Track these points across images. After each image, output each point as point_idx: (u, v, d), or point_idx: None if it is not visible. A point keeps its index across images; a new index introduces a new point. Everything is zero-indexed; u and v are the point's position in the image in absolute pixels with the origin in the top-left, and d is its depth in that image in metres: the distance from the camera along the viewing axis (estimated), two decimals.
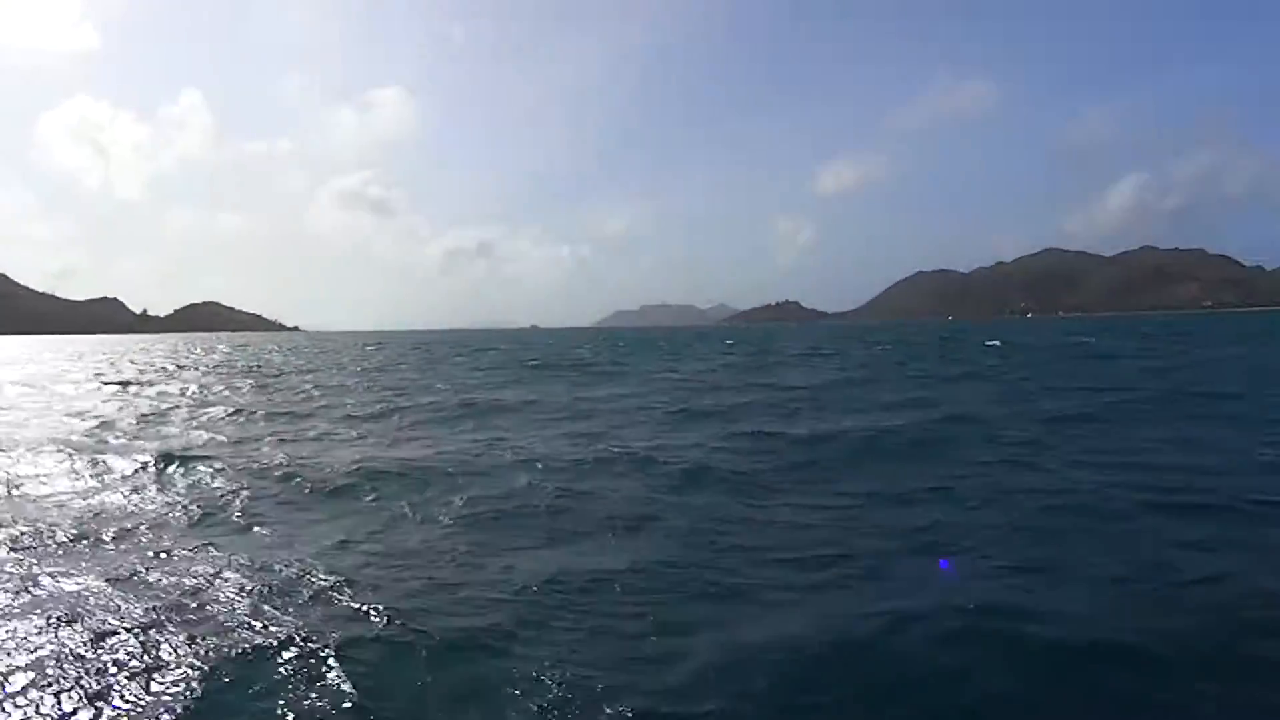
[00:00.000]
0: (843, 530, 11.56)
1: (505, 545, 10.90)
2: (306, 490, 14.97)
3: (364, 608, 8.34)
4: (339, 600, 8.66)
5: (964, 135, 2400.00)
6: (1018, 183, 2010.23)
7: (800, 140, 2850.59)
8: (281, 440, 21.83)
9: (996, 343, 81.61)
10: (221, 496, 14.40)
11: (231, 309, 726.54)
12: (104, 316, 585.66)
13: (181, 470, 16.72)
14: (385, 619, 8.03)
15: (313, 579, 9.32)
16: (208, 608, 8.47)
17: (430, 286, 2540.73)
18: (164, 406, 31.83)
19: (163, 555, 10.50)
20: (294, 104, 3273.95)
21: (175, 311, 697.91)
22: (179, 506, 13.55)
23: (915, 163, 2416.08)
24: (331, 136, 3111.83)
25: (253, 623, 7.99)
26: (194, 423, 26.31)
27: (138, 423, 26.33)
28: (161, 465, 17.20)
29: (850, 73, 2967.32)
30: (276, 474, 16.27)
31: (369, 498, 14.31)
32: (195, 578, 9.44)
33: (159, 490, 15.07)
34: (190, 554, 10.52)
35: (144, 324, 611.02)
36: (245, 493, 14.60)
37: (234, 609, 8.41)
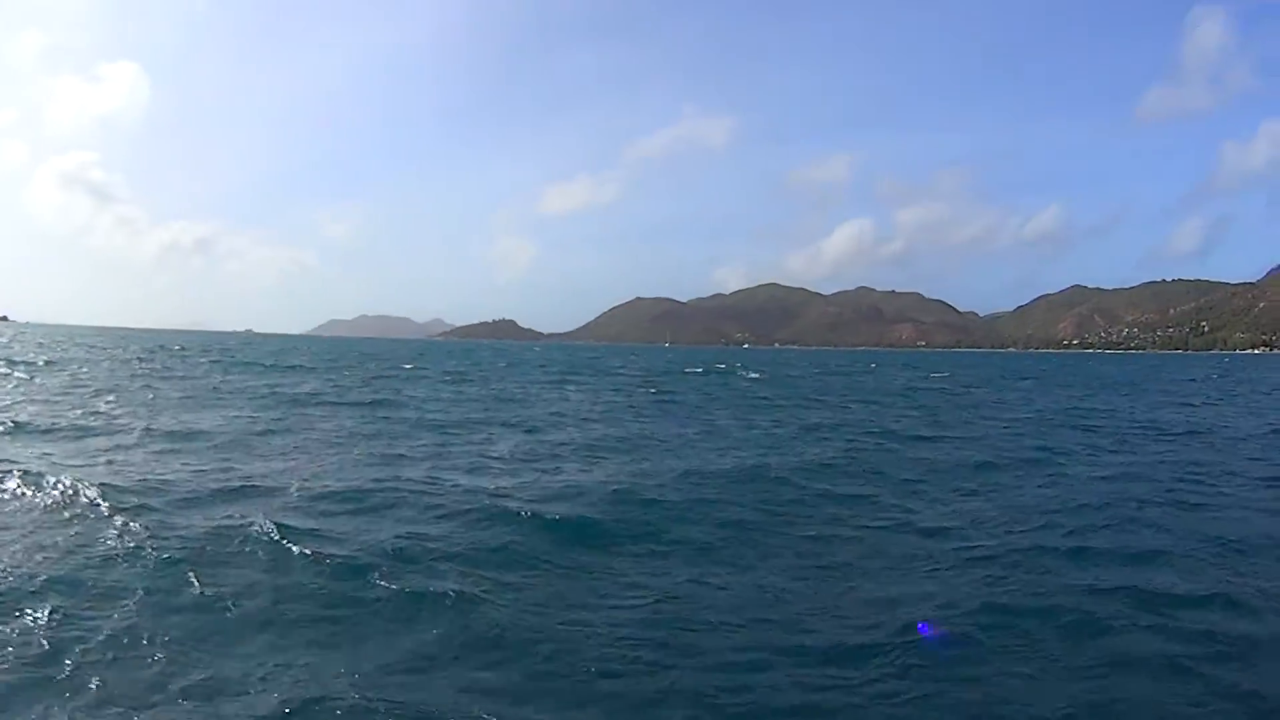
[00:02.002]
0: None
1: None
2: None
3: None
4: None
5: (696, 169, 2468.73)
6: (745, 219, 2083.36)
7: (531, 159, 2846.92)
8: None
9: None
10: None
11: None
12: None
13: None
14: None
15: None
16: None
17: (146, 282, 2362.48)
18: None
19: None
20: (25, 69, 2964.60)
21: None
22: None
23: (646, 191, 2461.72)
24: (59, 110, 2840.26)
25: None
26: None
27: None
28: None
29: (594, 98, 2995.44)
30: None
31: None
32: None
33: None
34: None
35: None
36: None
37: None
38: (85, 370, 53.88)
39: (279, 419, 28.82)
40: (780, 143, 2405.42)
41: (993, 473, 21.18)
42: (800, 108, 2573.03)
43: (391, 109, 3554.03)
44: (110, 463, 18.60)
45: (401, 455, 21.17)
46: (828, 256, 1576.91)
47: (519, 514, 14.39)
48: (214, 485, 16.17)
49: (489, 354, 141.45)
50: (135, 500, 14.41)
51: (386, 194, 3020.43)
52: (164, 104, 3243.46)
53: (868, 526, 14.82)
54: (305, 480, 16.92)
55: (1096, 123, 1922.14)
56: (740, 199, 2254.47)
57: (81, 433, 23.63)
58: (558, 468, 20.13)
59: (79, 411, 28.85)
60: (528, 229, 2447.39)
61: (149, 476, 16.89)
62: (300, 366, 70.36)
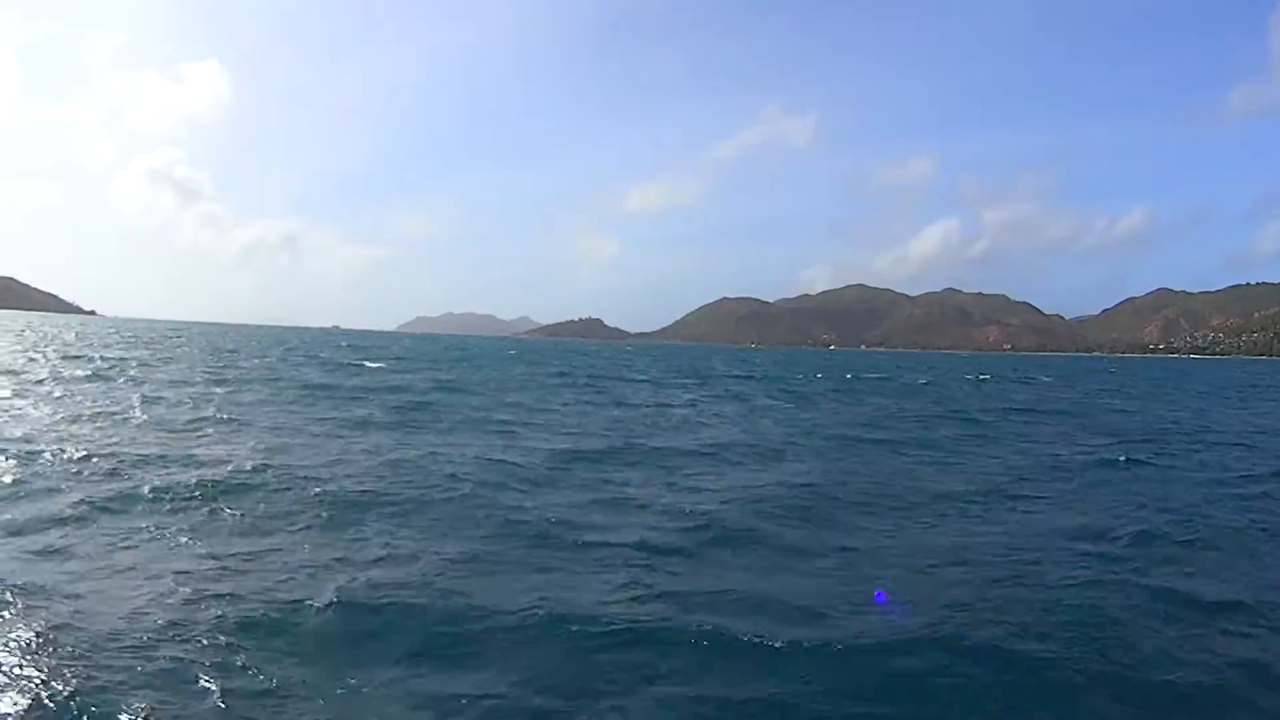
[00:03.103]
0: None
1: None
2: None
3: None
4: None
5: (782, 168, 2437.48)
6: (831, 218, 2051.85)
7: (615, 158, 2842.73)
8: None
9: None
10: None
11: (27, 287, 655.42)
12: None
13: None
14: None
15: None
16: None
17: (231, 278, 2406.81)
18: None
19: None
20: (107, 68, 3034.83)
21: None
22: None
23: (731, 191, 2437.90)
24: (142, 108, 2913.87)
25: None
26: None
27: None
28: None
29: (675, 97, 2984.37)
30: None
31: None
32: None
33: None
34: None
35: None
36: None
37: None
38: (150, 371, 48.03)
39: (384, 445, 22.70)
40: (864, 141, 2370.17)
41: None
42: (883, 106, 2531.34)
43: (473, 106, 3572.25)
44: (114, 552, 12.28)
45: (561, 523, 14.64)
46: (914, 256, 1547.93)
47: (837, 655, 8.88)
48: (284, 594, 10.33)
49: (583, 354, 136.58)
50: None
51: (470, 192, 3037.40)
52: (246, 102, 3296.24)
53: None
54: (424, 585, 11.04)
55: (1181, 121, 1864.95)
56: (825, 198, 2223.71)
57: (112, 464, 17.88)
58: (781, 545, 13.97)
59: (125, 432, 23.64)
60: (613, 228, 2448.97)
61: (191, 558, 11.59)
62: (394, 366, 65.67)
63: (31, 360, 52.23)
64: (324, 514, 14.52)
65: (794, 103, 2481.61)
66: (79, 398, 31.70)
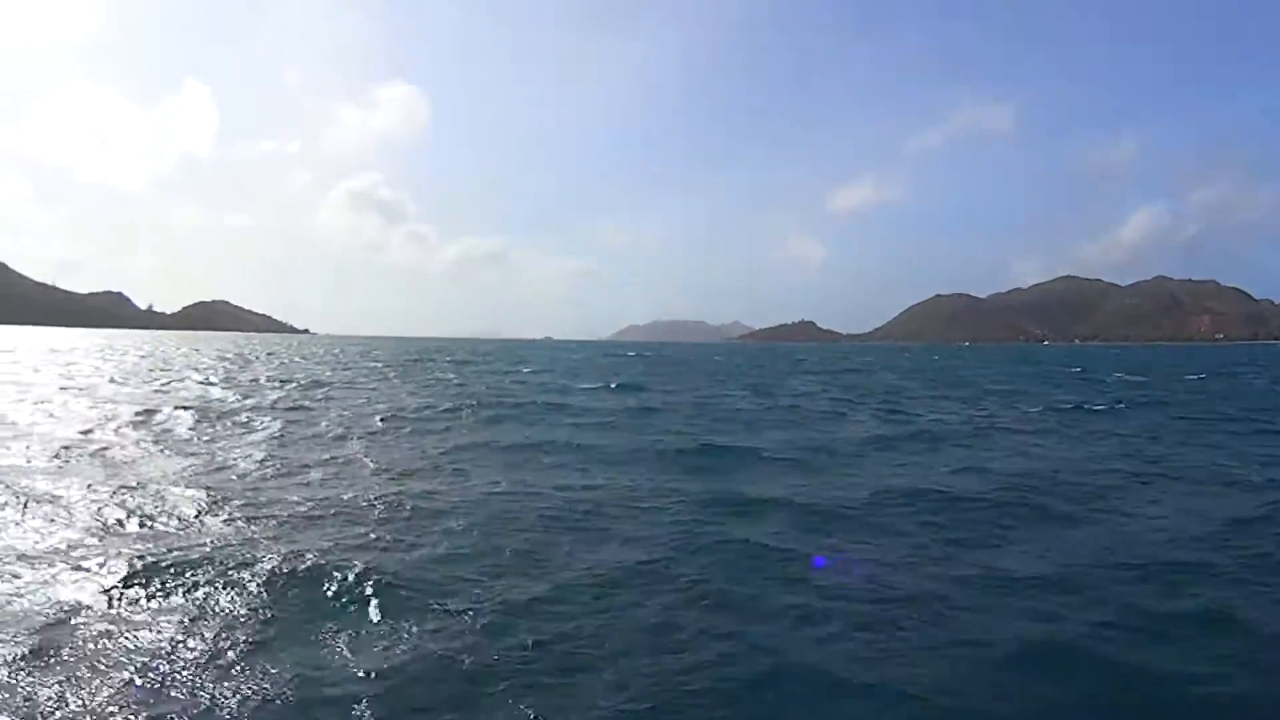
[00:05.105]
0: None
1: None
2: None
3: None
4: None
5: (982, 159, 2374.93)
6: (1036, 208, 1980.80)
7: (816, 159, 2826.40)
8: None
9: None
10: None
11: (240, 308, 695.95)
12: (108, 310, 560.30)
13: None
14: None
15: None
16: None
17: (440, 293, 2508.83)
18: None
19: None
20: (300, 100, 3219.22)
21: (183, 309, 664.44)
22: None
23: (932, 185, 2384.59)
24: (340, 135, 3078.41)
25: None
26: None
27: None
28: None
29: (871, 94, 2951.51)
30: None
31: None
32: None
33: None
34: None
35: (150, 320, 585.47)
36: None
37: None
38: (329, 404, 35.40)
39: None
40: (1066, 127, 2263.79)
41: None
42: (1082, 89, 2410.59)
43: (673, 115, 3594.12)
44: None
45: None
46: (1122, 243, 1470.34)
47: None
48: None
49: (824, 362, 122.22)
50: None
51: (675, 200, 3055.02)
52: (442, 122, 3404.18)
53: None
54: None
55: None
56: (1030, 187, 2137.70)
57: None
58: None
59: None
60: (820, 228, 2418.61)
61: None
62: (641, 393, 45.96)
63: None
64: None
65: (993, 92, 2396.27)
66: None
